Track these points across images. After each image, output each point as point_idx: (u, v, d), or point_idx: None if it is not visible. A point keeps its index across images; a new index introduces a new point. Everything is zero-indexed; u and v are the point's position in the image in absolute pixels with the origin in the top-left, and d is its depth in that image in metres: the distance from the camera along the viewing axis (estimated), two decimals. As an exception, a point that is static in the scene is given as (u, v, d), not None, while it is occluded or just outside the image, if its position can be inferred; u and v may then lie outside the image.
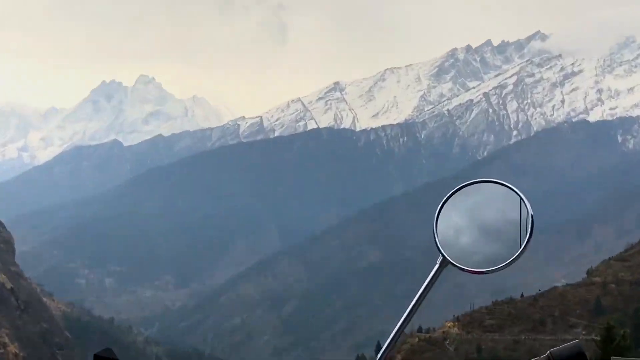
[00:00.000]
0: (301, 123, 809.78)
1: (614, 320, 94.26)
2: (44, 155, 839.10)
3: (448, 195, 2.88)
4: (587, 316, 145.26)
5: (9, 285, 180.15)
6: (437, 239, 2.64)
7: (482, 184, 2.88)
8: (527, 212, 4.36)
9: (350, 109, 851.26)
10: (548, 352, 2.88)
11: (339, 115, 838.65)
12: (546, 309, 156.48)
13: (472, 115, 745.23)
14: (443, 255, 4.45)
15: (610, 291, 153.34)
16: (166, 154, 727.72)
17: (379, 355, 3.38)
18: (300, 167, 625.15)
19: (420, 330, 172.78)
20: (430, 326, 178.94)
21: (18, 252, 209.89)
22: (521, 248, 4.46)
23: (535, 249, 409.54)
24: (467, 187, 2.96)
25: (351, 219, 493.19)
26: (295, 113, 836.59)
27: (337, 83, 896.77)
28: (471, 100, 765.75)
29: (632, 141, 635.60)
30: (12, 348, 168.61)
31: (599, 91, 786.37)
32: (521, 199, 2.76)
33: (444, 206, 2.85)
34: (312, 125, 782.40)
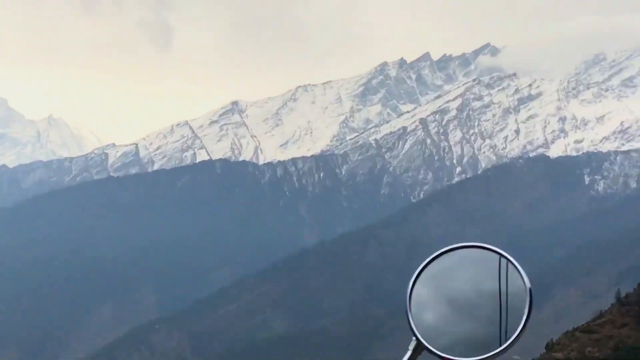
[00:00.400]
0: (189, 153, 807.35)
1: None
2: None
3: (424, 263, 2.84)
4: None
5: None
6: (410, 319, 2.47)
7: (465, 249, 2.85)
8: (524, 285, 3.97)
9: (252, 136, 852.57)
10: None
11: (238, 144, 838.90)
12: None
13: (406, 146, 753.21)
14: (418, 338, 3.10)
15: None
16: (11, 191, 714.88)
17: None
18: (186, 210, 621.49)
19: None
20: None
21: None
22: (517, 331, 4.14)
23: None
24: (448, 254, 2.95)
25: (251, 278, 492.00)
26: (182, 140, 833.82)
27: (235, 103, 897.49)
28: (404, 128, 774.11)
29: (601, 183, 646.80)
30: None
31: (562, 120, 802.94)
32: (516, 268, 2.79)
33: (419, 278, 2.81)
34: (202, 157, 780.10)
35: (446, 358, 2.46)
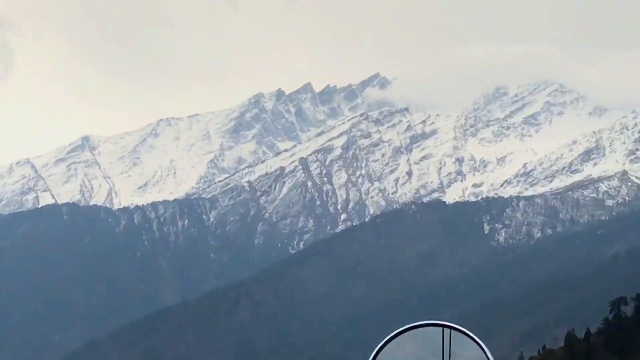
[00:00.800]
0: (30, 196, 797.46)
1: None
2: None
3: (380, 344, 2.96)
4: None
5: None
6: None
7: (426, 327, 2.98)
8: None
9: (105, 177, 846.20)
10: None
11: (89, 186, 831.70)
12: None
13: (284, 190, 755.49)
14: None
15: None
16: None
17: None
18: (26, 262, 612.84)
19: None
20: None
21: None
22: None
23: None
24: (407, 333, 3.05)
25: (105, 340, 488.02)
26: (22, 181, 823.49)
27: (86, 138, 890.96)
28: (282, 168, 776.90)
29: (503, 233, 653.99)
30: None
31: (459, 161, 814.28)
32: (484, 351, 2.88)
33: (385, 347, 2.89)
34: (46, 200, 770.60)
35: None
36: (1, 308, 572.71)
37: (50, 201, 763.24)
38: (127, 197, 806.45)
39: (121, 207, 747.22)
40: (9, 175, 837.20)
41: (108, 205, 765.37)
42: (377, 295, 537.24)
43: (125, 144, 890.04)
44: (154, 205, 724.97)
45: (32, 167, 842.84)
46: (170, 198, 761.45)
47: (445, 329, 3.70)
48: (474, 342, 3.71)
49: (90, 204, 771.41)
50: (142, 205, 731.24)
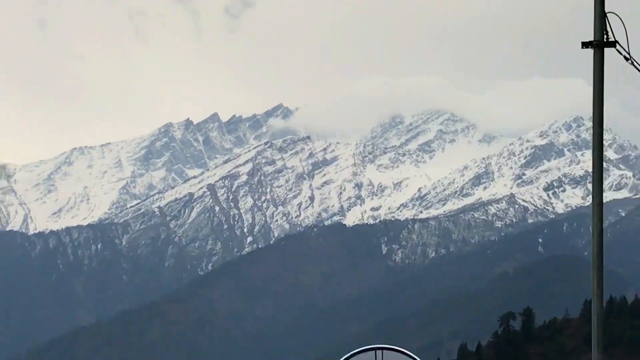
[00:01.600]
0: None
1: None
2: None
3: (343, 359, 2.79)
4: None
5: None
6: None
7: (381, 351, 2.91)
8: None
9: (20, 204, 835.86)
10: None
11: (5, 212, 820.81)
12: None
13: (193, 214, 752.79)
14: None
15: None
16: None
17: None
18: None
19: None
20: None
21: None
22: None
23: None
24: (365, 352, 3.01)
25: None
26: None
27: (2, 167, 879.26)
28: (191, 194, 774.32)
29: (399, 253, 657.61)
30: None
31: (358, 186, 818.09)
32: None
33: None
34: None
35: None
36: None
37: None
38: (42, 222, 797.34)
39: (37, 232, 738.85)
40: None
41: (24, 231, 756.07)
42: (283, 313, 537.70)
43: (40, 171, 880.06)
44: (68, 230, 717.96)
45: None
46: (84, 223, 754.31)
47: (377, 351, 3.75)
48: (408, 357, 3.72)
49: (7, 229, 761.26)
50: (57, 230, 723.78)
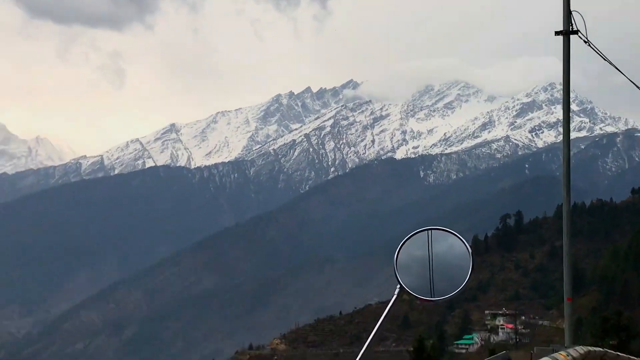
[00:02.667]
0: (140, 161, 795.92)
1: (421, 332, 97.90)
2: None
3: (406, 238, 2.97)
4: (396, 330, 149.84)
5: None
6: (396, 273, 2.61)
7: (431, 230, 2.91)
8: (468, 252, 3.25)
9: (185, 149, 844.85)
10: None
11: (175, 155, 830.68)
12: (361, 325, 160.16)
13: (295, 153, 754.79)
14: (401, 285, 3.10)
15: (416, 307, 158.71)
16: (11, 191, 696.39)
17: None
18: (138, 203, 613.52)
19: (250, 347, 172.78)
20: (260, 344, 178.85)
21: None
22: (466, 280, 3.32)
23: (350, 272, 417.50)
24: (421, 233, 3.01)
25: (187, 250, 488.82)
26: (134, 152, 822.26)
27: (173, 125, 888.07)
28: (294, 140, 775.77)
29: (432, 176, 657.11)
30: None
31: (404, 132, 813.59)
32: (463, 242, 2.82)
33: (402, 246, 2.88)
34: (150, 164, 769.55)
35: (420, 298, 2.42)
36: (125, 228, 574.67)
37: (152, 164, 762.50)
38: (199, 160, 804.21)
39: (196, 167, 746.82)
40: (126, 148, 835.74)
41: (188, 166, 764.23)
42: (355, 217, 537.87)
43: (197, 127, 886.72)
44: (215, 165, 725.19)
45: (140, 144, 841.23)
46: (226, 160, 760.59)
47: (429, 230, 3.57)
48: (455, 237, 3.59)
49: (177, 165, 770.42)
50: (208, 165, 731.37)
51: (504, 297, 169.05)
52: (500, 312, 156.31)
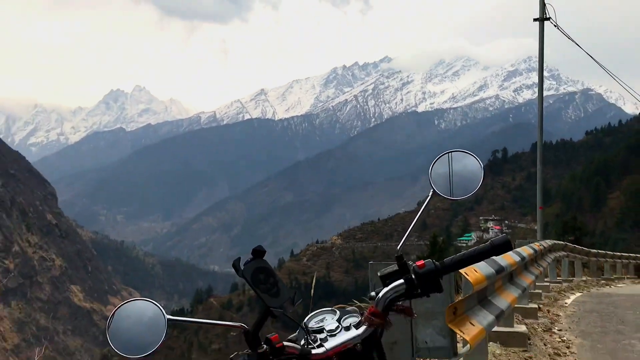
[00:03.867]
0: (240, 115, 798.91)
1: (435, 232, 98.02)
2: (74, 138, 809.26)
3: (437, 157, 2.82)
4: (419, 230, 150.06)
5: (54, 221, 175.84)
6: (430, 180, 2.51)
7: (454, 153, 2.73)
8: (480, 165, 3.04)
9: (271, 106, 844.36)
10: (489, 241, 2.05)
11: (264, 110, 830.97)
12: (392, 226, 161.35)
13: (347, 109, 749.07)
14: (434, 189, 2.90)
15: (432, 214, 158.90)
16: (154, 136, 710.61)
17: (399, 246, 2.04)
18: (241, 145, 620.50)
19: (317, 242, 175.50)
20: (322, 239, 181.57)
21: (59, 201, 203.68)
22: (478, 185, 3.12)
23: (386, 190, 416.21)
24: (447, 154, 2.86)
25: (273, 176, 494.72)
26: (237, 109, 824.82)
27: (262, 89, 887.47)
28: (346, 99, 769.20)
29: (443, 124, 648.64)
30: (58, 261, 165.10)
31: (424, 93, 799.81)
32: (476, 159, 2.67)
33: (433, 164, 2.66)
34: (247, 117, 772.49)
35: (447, 198, 2.31)
36: (236, 159, 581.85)
37: (249, 117, 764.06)
38: (280, 114, 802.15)
39: (278, 119, 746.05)
40: (231, 106, 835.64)
41: (273, 118, 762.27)
42: (388, 154, 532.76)
43: (280, 90, 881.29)
44: (292, 118, 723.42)
45: (240, 103, 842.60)
46: (299, 114, 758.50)
47: (449, 153, 3.49)
48: (470, 155, 3.53)
49: (266, 118, 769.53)
50: (287, 117, 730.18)
51: (493, 208, 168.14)
52: (490, 218, 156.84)
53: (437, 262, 1.70)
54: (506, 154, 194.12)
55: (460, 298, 3.35)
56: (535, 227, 19.34)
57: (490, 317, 3.90)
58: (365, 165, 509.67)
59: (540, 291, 11.18)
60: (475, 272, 3.54)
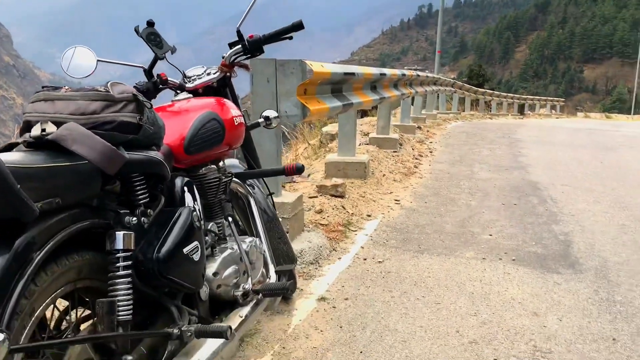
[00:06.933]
0: None
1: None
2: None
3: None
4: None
5: (11, 62, 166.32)
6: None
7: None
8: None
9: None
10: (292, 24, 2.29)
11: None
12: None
13: None
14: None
15: (363, 64, 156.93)
16: None
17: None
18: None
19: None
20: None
21: (14, 43, 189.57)
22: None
23: (322, 41, 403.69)
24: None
25: (220, 23, 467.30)
26: None
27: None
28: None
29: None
30: (19, 100, 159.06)
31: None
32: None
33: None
34: None
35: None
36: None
37: None
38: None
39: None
40: None
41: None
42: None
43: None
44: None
45: None
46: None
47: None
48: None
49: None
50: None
51: (416, 59, 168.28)
52: (414, 68, 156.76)
53: (263, 35, 2.08)
54: (431, 9, 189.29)
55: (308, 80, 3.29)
56: (453, 76, 19.65)
57: (337, 103, 4.07)
58: (302, 15, 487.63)
59: (425, 117, 11.70)
60: (322, 67, 3.60)
